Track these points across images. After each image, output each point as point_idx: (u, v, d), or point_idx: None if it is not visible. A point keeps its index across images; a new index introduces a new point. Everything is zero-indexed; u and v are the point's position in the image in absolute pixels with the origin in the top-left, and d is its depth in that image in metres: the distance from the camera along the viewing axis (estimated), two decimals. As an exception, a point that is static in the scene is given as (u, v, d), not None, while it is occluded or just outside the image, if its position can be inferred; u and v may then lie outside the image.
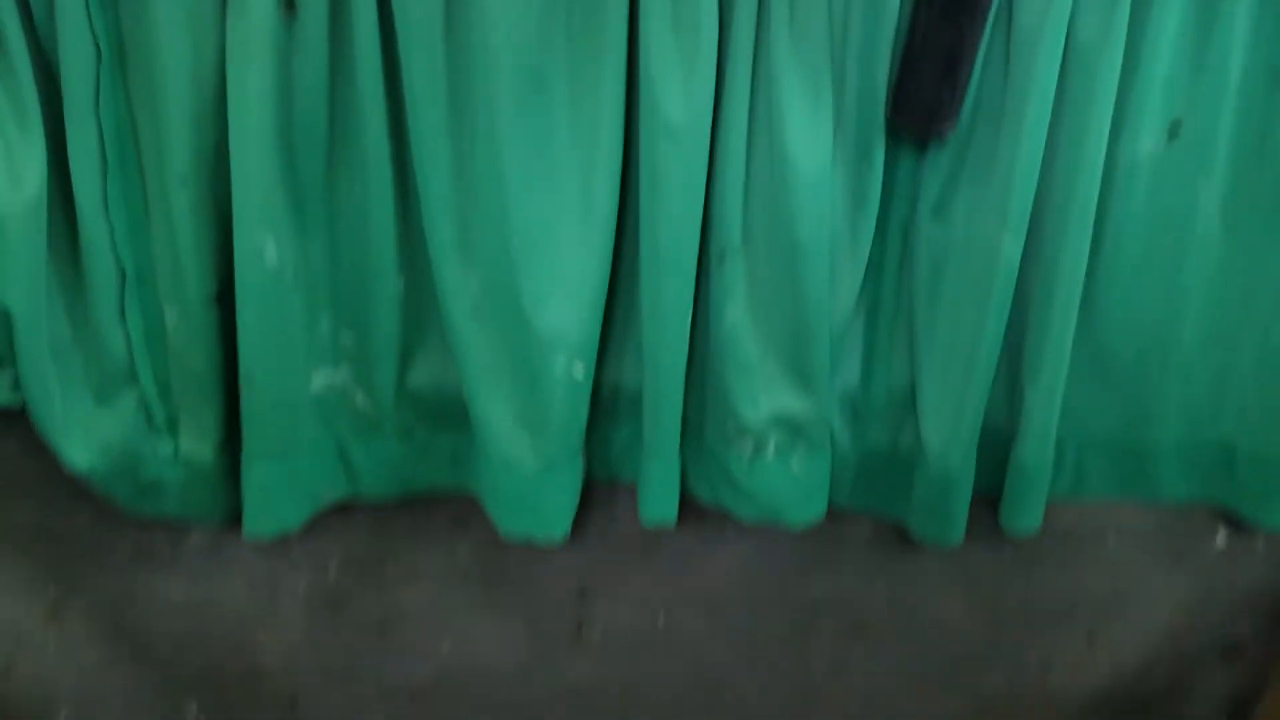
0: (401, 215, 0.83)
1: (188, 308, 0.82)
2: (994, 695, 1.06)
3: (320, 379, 0.88)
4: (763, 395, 0.87)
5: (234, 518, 0.89)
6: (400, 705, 1.05)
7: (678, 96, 0.77)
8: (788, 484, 0.90)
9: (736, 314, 0.85)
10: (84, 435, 0.84)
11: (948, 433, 0.87)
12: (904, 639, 1.03)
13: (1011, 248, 0.81)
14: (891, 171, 0.84)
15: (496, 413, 0.86)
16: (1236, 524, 0.98)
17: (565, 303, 0.84)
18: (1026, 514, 0.91)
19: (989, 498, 0.93)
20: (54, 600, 0.96)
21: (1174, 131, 0.83)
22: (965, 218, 0.83)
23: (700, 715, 1.07)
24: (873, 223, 0.84)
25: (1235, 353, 0.90)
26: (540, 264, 0.82)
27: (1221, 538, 0.99)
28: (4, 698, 0.99)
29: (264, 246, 0.79)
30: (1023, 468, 0.89)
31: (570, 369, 0.85)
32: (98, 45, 0.75)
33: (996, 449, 0.90)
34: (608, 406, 0.92)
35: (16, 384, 0.82)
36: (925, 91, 0.78)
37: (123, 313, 0.83)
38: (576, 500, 0.92)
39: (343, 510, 0.94)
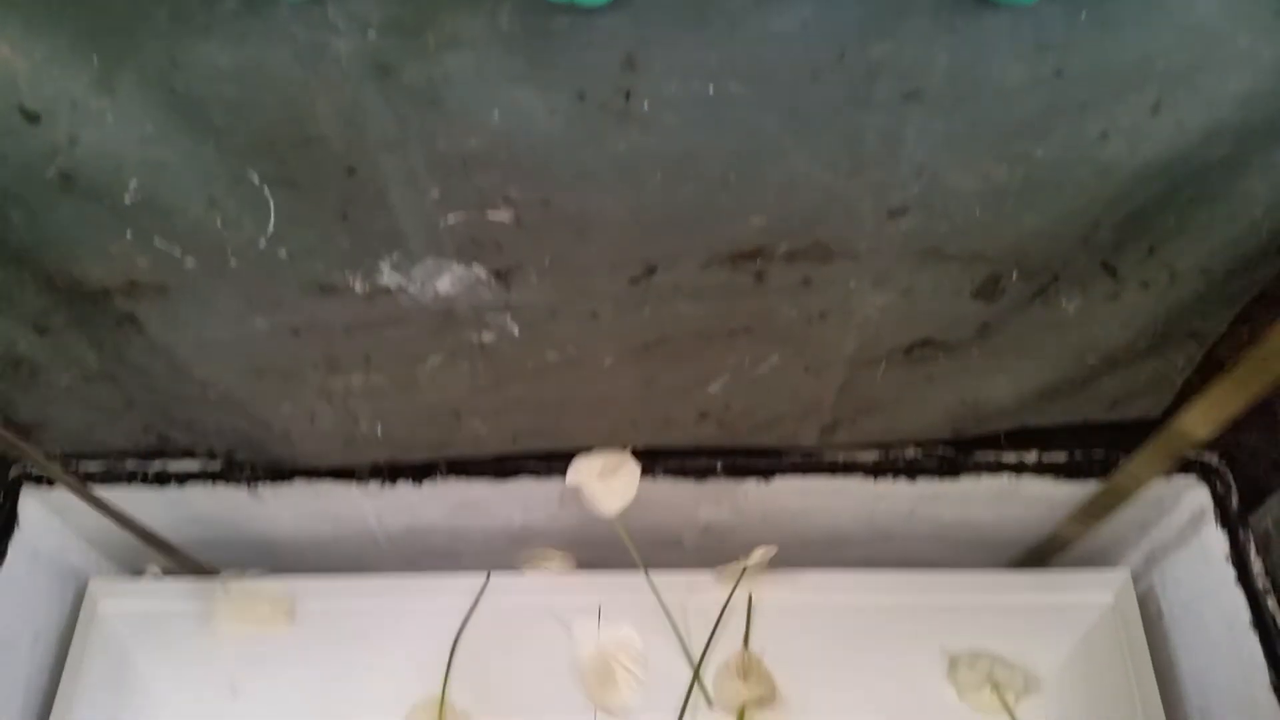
0: None
1: None
2: (1045, 164, 1.05)
3: None
4: None
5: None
6: (454, 173, 1.07)
7: None
8: (854, -69, 0.82)
9: None
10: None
11: None
12: (960, 107, 1.00)
13: None
14: None
15: None
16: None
17: None
18: (1113, -36, 0.84)
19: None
20: (100, 69, 0.95)
21: None
22: None
23: (747, 185, 1.09)
24: None
25: None
26: None
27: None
28: (76, 169, 1.03)
29: None
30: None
31: None
32: None
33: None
34: None
35: None
36: None
37: None
38: (622, -48, 0.86)
39: (375, -35, 0.88)
